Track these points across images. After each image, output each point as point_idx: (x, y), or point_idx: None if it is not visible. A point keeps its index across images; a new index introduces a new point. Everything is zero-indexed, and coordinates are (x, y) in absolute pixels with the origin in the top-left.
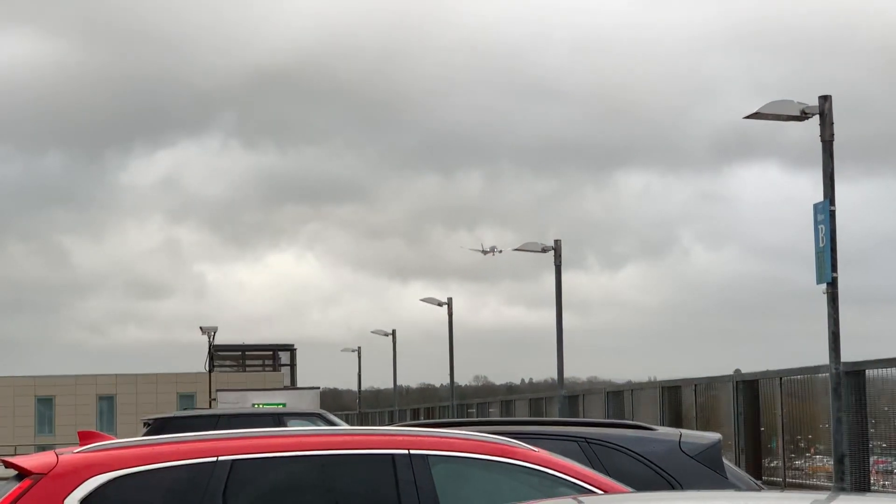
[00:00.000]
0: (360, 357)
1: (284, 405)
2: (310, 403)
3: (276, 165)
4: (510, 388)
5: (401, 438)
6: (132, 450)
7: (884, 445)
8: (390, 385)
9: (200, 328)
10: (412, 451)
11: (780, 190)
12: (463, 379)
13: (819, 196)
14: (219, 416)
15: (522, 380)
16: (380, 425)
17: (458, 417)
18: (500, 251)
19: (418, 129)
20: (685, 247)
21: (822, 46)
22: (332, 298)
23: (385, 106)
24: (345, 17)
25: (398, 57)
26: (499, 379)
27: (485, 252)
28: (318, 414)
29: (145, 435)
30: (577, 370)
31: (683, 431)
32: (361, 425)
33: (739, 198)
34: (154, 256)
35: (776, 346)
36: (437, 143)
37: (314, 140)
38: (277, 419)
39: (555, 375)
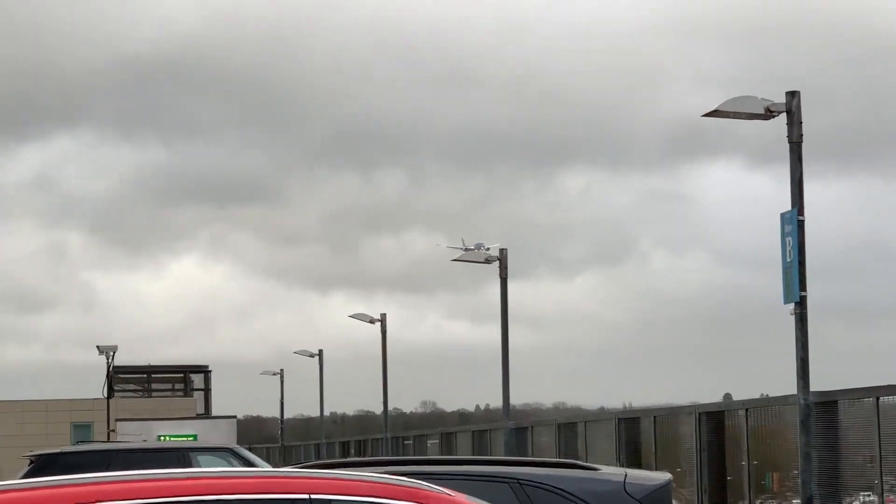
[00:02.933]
0: (282, 381)
1: (195, 437)
2: (225, 435)
3: (164, 161)
4: (462, 416)
5: (301, 481)
6: None
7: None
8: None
9: (98, 347)
10: (313, 496)
11: (741, 188)
12: (408, 405)
13: (783, 197)
14: (112, 453)
15: (477, 406)
16: (305, 460)
17: (392, 451)
18: (489, 248)
19: (328, 121)
20: (644, 252)
21: (776, 34)
22: (246, 312)
23: (287, 96)
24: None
25: (299, 42)
26: (450, 405)
27: (466, 249)
28: (230, 449)
29: (26, 474)
30: (532, 395)
31: (629, 471)
32: (284, 460)
33: (698, 198)
34: (31, 264)
35: (747, 367)
36: (350, 136)
37: (206, 134)
38: (182, 456)
39: (515, 400)
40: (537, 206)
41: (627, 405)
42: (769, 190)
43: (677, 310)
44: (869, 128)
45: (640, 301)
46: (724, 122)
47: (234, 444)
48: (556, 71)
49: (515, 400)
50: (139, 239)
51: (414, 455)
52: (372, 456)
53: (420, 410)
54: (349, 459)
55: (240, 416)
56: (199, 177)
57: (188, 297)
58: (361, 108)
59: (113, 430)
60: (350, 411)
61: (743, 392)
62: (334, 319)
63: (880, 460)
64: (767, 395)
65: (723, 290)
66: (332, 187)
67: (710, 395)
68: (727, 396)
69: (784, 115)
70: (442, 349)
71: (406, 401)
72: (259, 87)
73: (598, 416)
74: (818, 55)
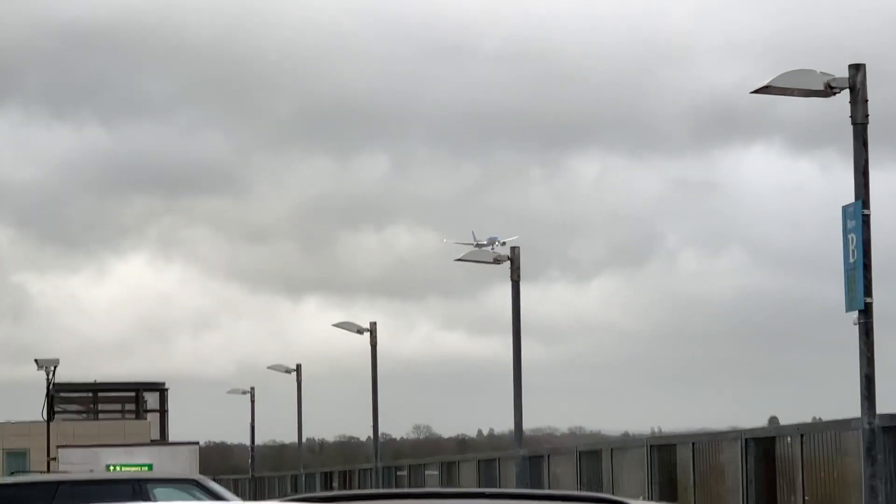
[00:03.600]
0: (253, 401)
1: (150, 467)
2: (186, 464)
3: (104, 144)
4: (462, 443)
5: None
6: None
7: None
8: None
9: (36, 361)
10: None
11: (782, 176)
12: (399, 430)
13: (831, 187)
14: (57, 485)
15: (480, 431)
16: (279, 493)
17: (384, 484)
18: (504, 242)
19: (297, 98)
20: (671, 251)
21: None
22: (205, 320)
23: (249, 70)
24: None
25: (264, 9)
26: (447, 430)
27: (479, 245)
28: (194, 481)
29: None
30: (544, 418)
31: None
32: (255, 493)
33: (732, 187)
34: None
35: (797, 386)
36: (323, 116)
37: (153, 113)
38: (138, 488)
39: (525, 425)
40: (545, 197)
41: (656, 430)
42: (814, 178)
43: (710, 318)
44: None
45: (667, 308)
46: (760, 100)
47: (199, 475)
48: (564, 42)
49: (526, 424)
50: (77, 235)
51: (409, 488)
52: (360, 489)
53: (412, 436)
54: (339, 493)
55: (202, 442)
56: (145, 163)
57: (137, 303)
58: (337, 85)
59: (53, 459)
60: (330, 437)
61: (792, 415)
62: (309, 329)
63: None
64: (820, 418)
65: (764, 296)
66: (303, 175)
67: (753, 419)
68: (773, 420)
69: (847, 91)
70: (435, 364)
71: (396, 425)
72: (216, 59)
73: (627, 444)
74: (870, 22)
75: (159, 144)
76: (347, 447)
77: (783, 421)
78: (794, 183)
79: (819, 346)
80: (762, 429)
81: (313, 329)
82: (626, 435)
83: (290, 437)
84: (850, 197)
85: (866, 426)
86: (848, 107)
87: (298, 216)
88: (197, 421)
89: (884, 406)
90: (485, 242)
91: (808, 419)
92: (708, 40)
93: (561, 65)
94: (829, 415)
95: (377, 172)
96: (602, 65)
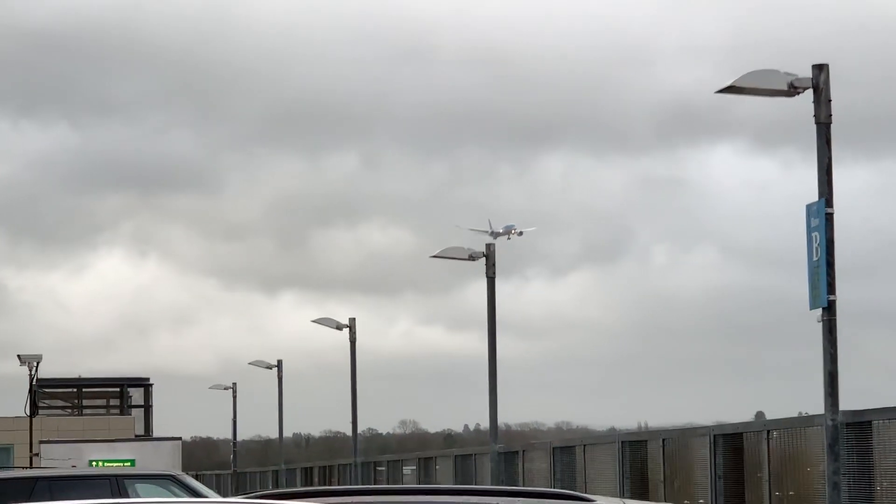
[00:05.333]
0: (234, 396)
1: (133, 463)
2: (169, 460)
3: (74, 143)
4: (448, 438)
5: None
6: None
7: None
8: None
9: (19, 357)
10: None
11: (748, 174)
12: (386, 425)
13: (791, 185)
14: (34, 481)
15: (466, 426)
16: (261, 489)
17: (363, 479)
18: (521, 233)
19: (267, 99)
20: (642, 247)
21: None
22: (184, 316)
23: (219, 72)
24: None
25: (234, 13)
26: (434, 425)
27: (494, 234)
28: (172, 476)
29: None
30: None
31: (629, 503)
32: (237, 489)
33: (702, 186)
34: None
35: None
36: (294, 116)
37: (122, 113)
38: (116, 484)
39: (510, 420)
40: (514, 194)
41: (643, 425)
42: (778, 176)
43: (684, 314)
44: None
45: (641, 304)
46: (723, 100)
47: (177, 471)
48: (529, 44)
49: (511, 419)
50: (51, 231)
51: (388, 484)
52: (339, 484)
53: (399, 431)
54: (312, 489)
55: (186, 437)
56: (116, 162)
57: (116, 299)
58: (305, 85)
59: (36, 454)
60: (316, 432)
61: (779, 411)
62: (288, 325)
63: None
64: (807, 413)
65: (735, 292)
66: (275, 174)
67: (740, 415)
68: (760, 415)
69: (810, 91)
70: (416, 360)
71: (383, 420)
72: (184, 61)
73: (599, 439)
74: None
75: (129, 144)
76: (333, 442)
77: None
78: (759, 181)
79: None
80: (731, 425)
81: (292, 325)
82: (612, 430)
83: (275, 433)
84: (813, 195)
85: (829, 422)
86: (811, 106)
87: (272, 214)
88: (182, 416)
89: (849, 402)
90: (501, 231)
91: (795, 414)
92: (669, 42)
93: (526, 66)
94: (814, 410)
95: (347, 171)
96: (566, 66)
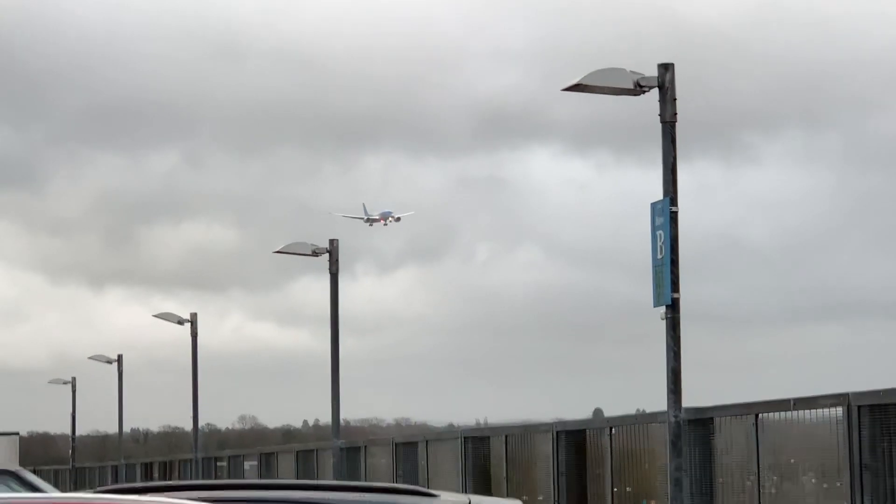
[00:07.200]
0: (74, 391)
1: None
2: (5, 455)
3: None
4: (287, 434)
5: None
6: None
7: None
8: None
9: None
10: None
11: (564, 174)
12: (225, 420)
13: (607, 185)
14: None
15: (305, 422)
16: (100, 484)
17: (203, 475)
18: (399, 218)
19: (86, 96)
20: (465, 245)
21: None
22: (13, 311)
23: (33, 70)
24: None
25: (47, 13)
26: (273, 420)
27: (369, 220)
28: (12, 472)
29: None
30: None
31: (474, 498)
32: (76, 484)
33: (522, 186)
34: None
35: (621, 379)
36: (112, 113)
37: None
38: None
39: (350, 416)
40: (338, 192)
41: (482, 422)
42: (594, 177)
43: (510, 311)
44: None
45: (467, 301)
46: (531, 104)
47: (16, 467)
48: (342, 45)
49: (351, 415)
50: None
51: (229, 479)
52: (180, 479)
53: (238, 426)
54: (151, 484)
55: (23, 432)
56: None
57: None
58: (123, 83)
59: None
60: (155, 427)
61: (616, 408)
62: (118, 320)
63: (758, 484)
64: (644, 410)
65: (558, 290)
66: (97, 170)
67: (577, 412)
68: (598, 412)
69: (656, 90)
70: (249, 355)
71: (222, 415)
72: (0, 58)
73: (441, 435)
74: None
75: None
76: (172, 437)
77: (608, 413)
78: (580, 181)
79: (626, 340)
80: (573, 422)
81: (122, 320)
82: (450, 426)
83: (112, 428)
84: (639, 194)
85: (672, 419)
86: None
87: (96, 210)
88: (17, 411)
89: (691, 399)
90: (377, 217)
91: (632, 411)
92: (480, 45)
93: (341, 67)
94: (651, 407)
95: (170, 168)
96: (381, 68)
